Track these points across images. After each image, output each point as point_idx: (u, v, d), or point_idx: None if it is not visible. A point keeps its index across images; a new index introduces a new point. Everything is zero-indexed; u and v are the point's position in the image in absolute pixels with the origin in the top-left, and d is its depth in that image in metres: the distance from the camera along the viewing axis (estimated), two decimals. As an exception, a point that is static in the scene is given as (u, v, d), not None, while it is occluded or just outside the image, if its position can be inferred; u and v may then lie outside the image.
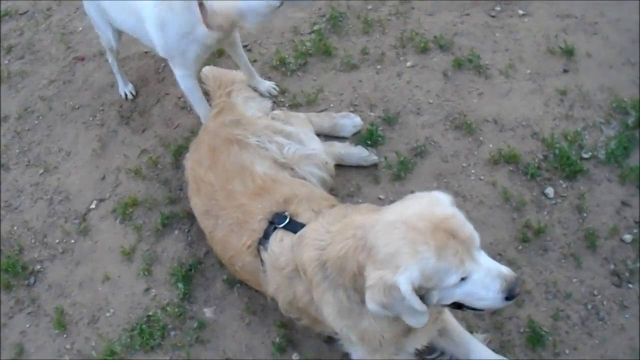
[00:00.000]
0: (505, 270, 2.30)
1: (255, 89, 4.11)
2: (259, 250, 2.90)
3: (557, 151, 3.76)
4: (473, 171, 3.76)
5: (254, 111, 3.68)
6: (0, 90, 4.90)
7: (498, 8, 4.65)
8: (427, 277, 2.19)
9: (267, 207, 2.96)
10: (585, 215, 3.53)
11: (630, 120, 3.87)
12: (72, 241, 3.90)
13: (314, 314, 2.76)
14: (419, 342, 2.73)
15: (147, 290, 3.62)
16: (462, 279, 2.23)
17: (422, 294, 2.26)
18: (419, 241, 2.19)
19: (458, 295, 2.31)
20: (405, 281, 2.17)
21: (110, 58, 4.38)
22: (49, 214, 4.06)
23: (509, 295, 2.28)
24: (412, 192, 3.59)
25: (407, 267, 2.17)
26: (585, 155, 3.76)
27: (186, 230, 3.78)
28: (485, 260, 2.29)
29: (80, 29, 5.13)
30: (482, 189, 3.67)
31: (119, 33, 4.10)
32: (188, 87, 3.69)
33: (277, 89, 4.29)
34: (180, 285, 3.55)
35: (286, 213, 2.89)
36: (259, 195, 3.03)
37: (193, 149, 3.51)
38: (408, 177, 3.77)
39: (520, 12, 4.61)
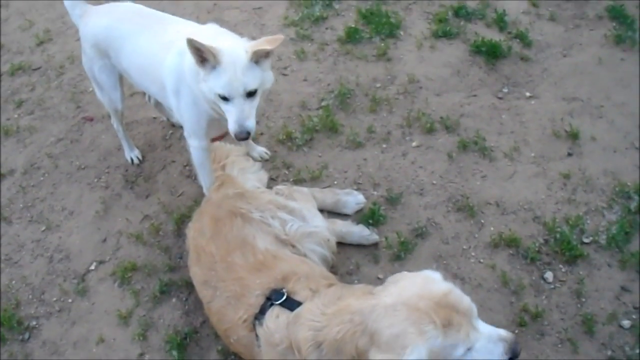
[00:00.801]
0: (503, 332, 2.34)
1: (248, 154, 4.22)
2: (254, 325, 2.91)
3: (558, 235, 3.77)
4: (473, 254, 3.77)
5: (252, 182, 3.77)
6: (7, 143, 4.98)
7: (505, 90, 4.73)
8: (435, 355, 2.22)
9: (265, 283, 2.97)
10: (584, 300, 3.52)
11: (633, 205, 3.89)
12: (70, 300, 3.91)
13: None
14: None
15: (141, 355, 3.61)
16: (467, 349, 2.26)
17: None
18: (424, 321, 2.21)
19: None
20: None
21: (115, 124, 4.42)
22: (48, 271, 4.07)
23: (513, 355, 2.32)
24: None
25: (415, 347, 2.19)
26: (586, 240, 3.77)
27: (184, 299, 3.80)
28: (484, 328, 2.33)
29: (91, 89, 5.14)
30: (481, 272, 3.68)
31: (123, 95, 4.19)
32: (199, 158, 3.75)
33: (269, 153, 4.39)
34: (174, 352, 3.54)
35: (284, 290, 2.90)
36: (259, 270, 3.05)
37: (196, 218, 3.54)
38: (408, 258, 3.78)
39: (528, 94, 4.69)
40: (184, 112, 3.56)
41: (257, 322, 2.90)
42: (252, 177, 3.83)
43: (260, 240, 3.22)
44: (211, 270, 3.19)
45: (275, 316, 2.82)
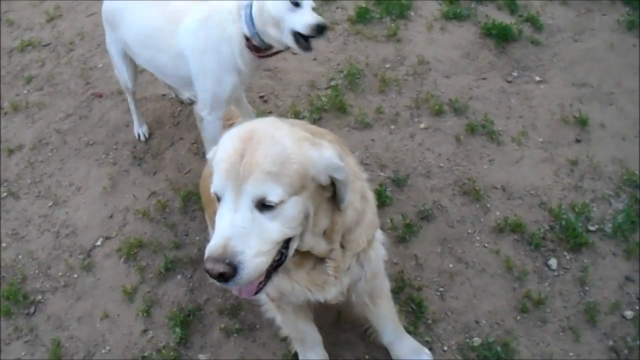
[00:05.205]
0: None
1: None
2: None
3: (563, 222, 3.75)
4: (478, 238, 3.76)
5: None
6: (16, 119, 5.01)
7: (515, 73, 4.71)
8: None
9: None
10: (587, 288, 3.50)
11: (640, 194, 3.87)
12: (75, 276, 3.91)
13: None
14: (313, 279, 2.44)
15: (145, 331, 3.61)
16: None
17: None
18: None
19: None
20: None
21: (128, 98, 4.47)
22: (55, 246, 4.08)
23: None
24: (415, 255, 3.64)
25: None
26: (592, 228, 3.75)
27: (188, 276, 3.79)
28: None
29: (100, 65, 5.24)
30: (485, 257, 3.66)
31: (135, 75, 4.24)
32: (213, 131, 3.74)
33: None
34: (177, 329, 3.53)
35: None
36: None
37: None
38: (412, 240, 3.76)
39: (537, 78, 4.67)
40: (207, 79, 3.57)
41: None
42: None
43: None
44: None
45: None
